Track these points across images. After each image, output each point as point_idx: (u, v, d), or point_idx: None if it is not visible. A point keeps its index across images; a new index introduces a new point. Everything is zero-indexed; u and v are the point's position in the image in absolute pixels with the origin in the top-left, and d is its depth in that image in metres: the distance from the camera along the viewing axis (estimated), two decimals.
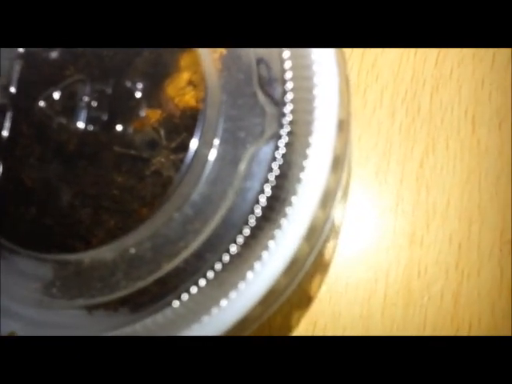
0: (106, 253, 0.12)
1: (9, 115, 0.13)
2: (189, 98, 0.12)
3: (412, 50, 0.21)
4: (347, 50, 0.21)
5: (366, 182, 0.20)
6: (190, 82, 0.12)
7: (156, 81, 0.12)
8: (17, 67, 0.13)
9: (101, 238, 0.12)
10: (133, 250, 0.12)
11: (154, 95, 0.12)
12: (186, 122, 0.12)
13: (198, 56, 0.12)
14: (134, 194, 0.12)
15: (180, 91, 0.12)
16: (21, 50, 0.13)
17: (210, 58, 0.13)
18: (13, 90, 0.13)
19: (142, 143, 0.12)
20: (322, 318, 0.19)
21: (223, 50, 0.13)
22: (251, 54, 0.12)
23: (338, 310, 0.19)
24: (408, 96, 0.21)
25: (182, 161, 0.12)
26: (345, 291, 0.19)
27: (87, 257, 0.12)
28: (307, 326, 0.19)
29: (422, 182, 0.20)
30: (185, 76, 0.13)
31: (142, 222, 0.12)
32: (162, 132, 0.12)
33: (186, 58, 0.13)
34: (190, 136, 0.12)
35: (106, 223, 0.12)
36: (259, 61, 0.12)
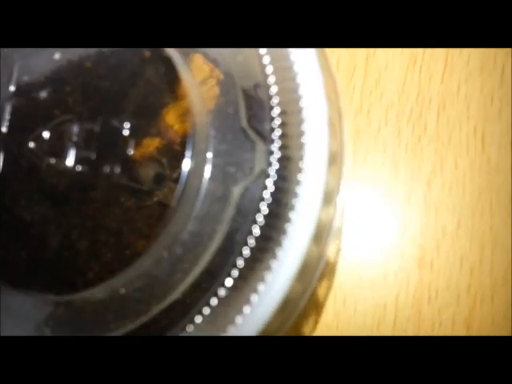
0: (96, 293, 0.12)
1: (0, 155, 0.13)
2: (174, 132, 0.12)
3: (417, 67, 0.21)
4: (349, 69, 0.20)
5: (372, 203, 0.20)
6: (178, 115, 0.12)
7: (144, 113, 0.12)
8: (8, 108, 0.13)
9: (90, 279, 0.12)
10: (122, 291, 0.12)
11: (141, 130, 0.12)
12: (172, 158, 0.12)
13: (187, 86, 0.12)
14: (122, 233, 0.12)
15: (166, 124, 0.12)
16: (12, 89, 0.13)
17: (201, 88, 0.13)
18: (4, 129, 0.13)
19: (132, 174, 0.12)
20: None
21: (220, 75, 0.13)
22: (237, 87, 0.12)
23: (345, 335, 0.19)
24: (414, 114, 0.20)
25: (170, 198, 0.12)
26: (353, 317, 0.19)
27: (78, 297, 0.12)
28: None
29: (430, 203, 0.19)
30: (172, 110, 0.12)
31: (131, 262, 0.12)
32: (148, 167, 0.12)
33: (175, 88, 0.12)
34: (178, 173, 0.12)
35: (96, 263, 0.12)
36: (246, 94, 0.12)
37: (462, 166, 0.20)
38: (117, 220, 0.12)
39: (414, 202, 0.20)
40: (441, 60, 0.21)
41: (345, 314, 0.19)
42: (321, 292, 0.16)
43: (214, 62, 0.13)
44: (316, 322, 0.17)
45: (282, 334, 0.11)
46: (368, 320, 0.19)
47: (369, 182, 0.20)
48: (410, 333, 0.19)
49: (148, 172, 0.12)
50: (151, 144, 0.12)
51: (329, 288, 0.17)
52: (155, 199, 0.12)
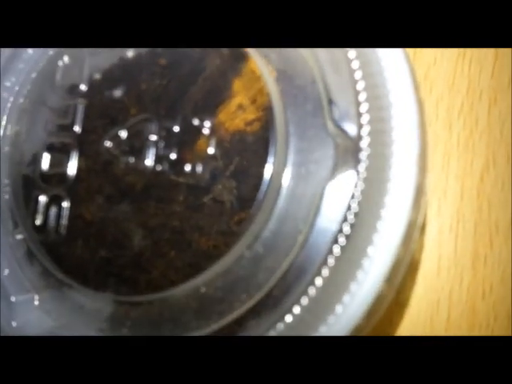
0: (176, 292, 0.12)
1: (74, 154, 0.13)
2: (254, 129, 0.12)
3: (466, 61, 0.20)
4: None
5: None
6: (258, 112, 0.12)
7: (216, 109, 0.12)
8: (80, 107, 0.13)
9: (172, 278, 0.12)
10: (203, 289, 0.12)
11: (218, 128, 0.12)
12: (253, 157, 0.12)
13: (265, 82, 0.12)
14: (207, 233, 0.12)
15: (245, 121, 0.12)
16: (83, 88, 0.13)
17: (270, 81, 0.12)
18: (77, 129, 0.13)
19: (207, 176, 0.12)
20: None
21: (274, 72, 0.13)
22: (319, 83, 0.12)
23: (399, 333, 0.19)
24: (465, 108, 0.20)
25: (253, 197, 0.11)
26: (406, 313, 0.19)
27: (158, 297, 0.12)
28: None
29: (483, 198, 0.19)
30: (239, 100, 0.12)
31: (213, 261, 0.12)
32: (227, 162, 0.12)
33: (240, 81, 0.12)
34: (261, 171, 0.11)
35: (178, 262, 0.12)
36: (329, 91, 0.12)
37: None
38: (197, 219, 0.12)
39: (466, 197, 0.19)
40: (490, 53, 0.20)
41: (398, 309, 0.19)
42: (404, 289, 0.16)
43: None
44: (400, 321, 0.16)
45: (366, 332, 0.11)
46: (421, 316, 0.19)
47: None
48: (464, 328, 0.19)
49: (223, 164, 0.12)
50: (231, 142, 0.12)
51: (412, 285, 0.17)
52: (236, 197, 0.12)
